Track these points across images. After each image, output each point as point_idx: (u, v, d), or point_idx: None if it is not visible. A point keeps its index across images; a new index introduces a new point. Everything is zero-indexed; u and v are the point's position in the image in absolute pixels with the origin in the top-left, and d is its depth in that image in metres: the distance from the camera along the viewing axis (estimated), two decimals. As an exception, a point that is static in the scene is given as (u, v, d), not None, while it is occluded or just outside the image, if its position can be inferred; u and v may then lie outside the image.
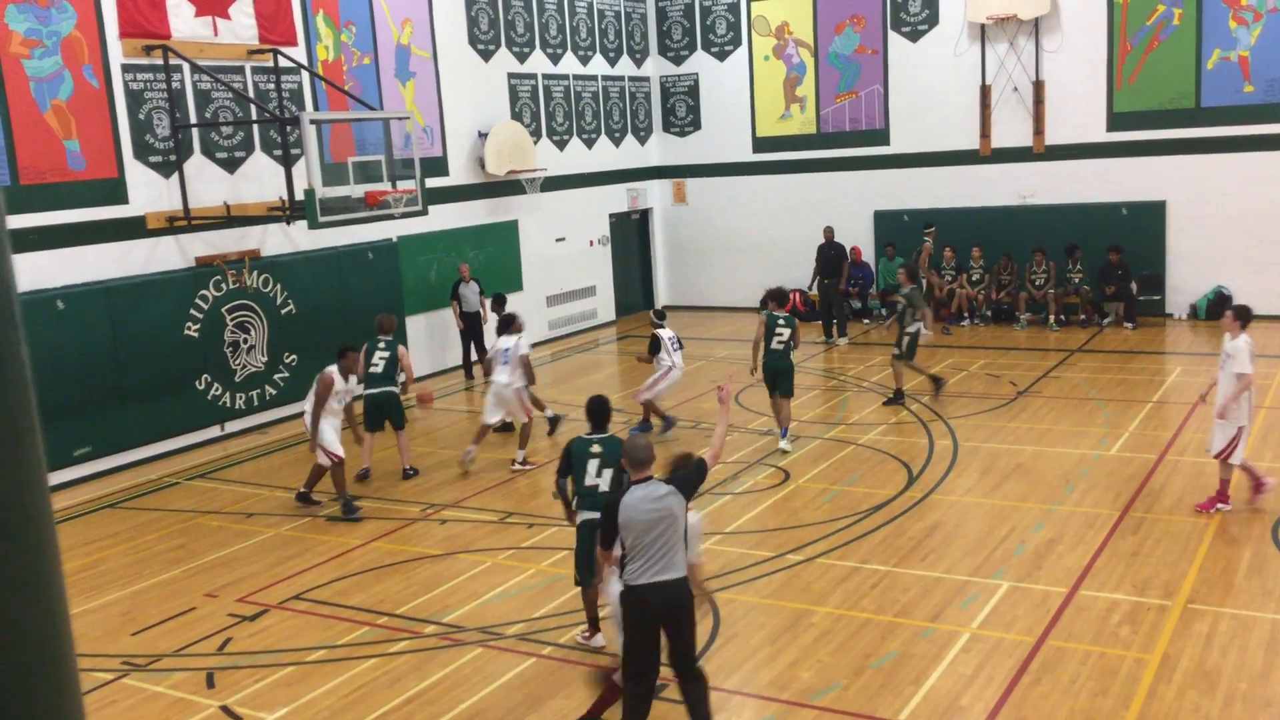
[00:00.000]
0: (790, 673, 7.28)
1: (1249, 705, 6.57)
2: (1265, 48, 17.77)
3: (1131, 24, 18.61)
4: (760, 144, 22.02)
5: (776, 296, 12.83)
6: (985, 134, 19.87)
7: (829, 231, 18.84)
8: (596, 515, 6.91)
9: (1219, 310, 18.41)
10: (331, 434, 10.99)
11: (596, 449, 7.62)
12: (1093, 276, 18.67)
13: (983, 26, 19.54)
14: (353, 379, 11.33)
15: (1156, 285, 18.84)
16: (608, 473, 7.54)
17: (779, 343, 12.40)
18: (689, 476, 6.09)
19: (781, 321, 12.50)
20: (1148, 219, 18.78)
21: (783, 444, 12.38)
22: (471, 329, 16.98)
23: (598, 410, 7.85)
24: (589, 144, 21.26)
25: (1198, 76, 18.29)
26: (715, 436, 6.53)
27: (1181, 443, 11.88)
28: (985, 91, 19.75)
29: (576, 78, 20.85)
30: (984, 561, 8.95)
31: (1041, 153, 19.51)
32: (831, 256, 18.65)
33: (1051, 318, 18.75)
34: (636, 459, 6.09)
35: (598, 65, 21.41)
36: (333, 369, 11.07)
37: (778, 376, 12.46)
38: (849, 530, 9.79)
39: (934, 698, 6.82)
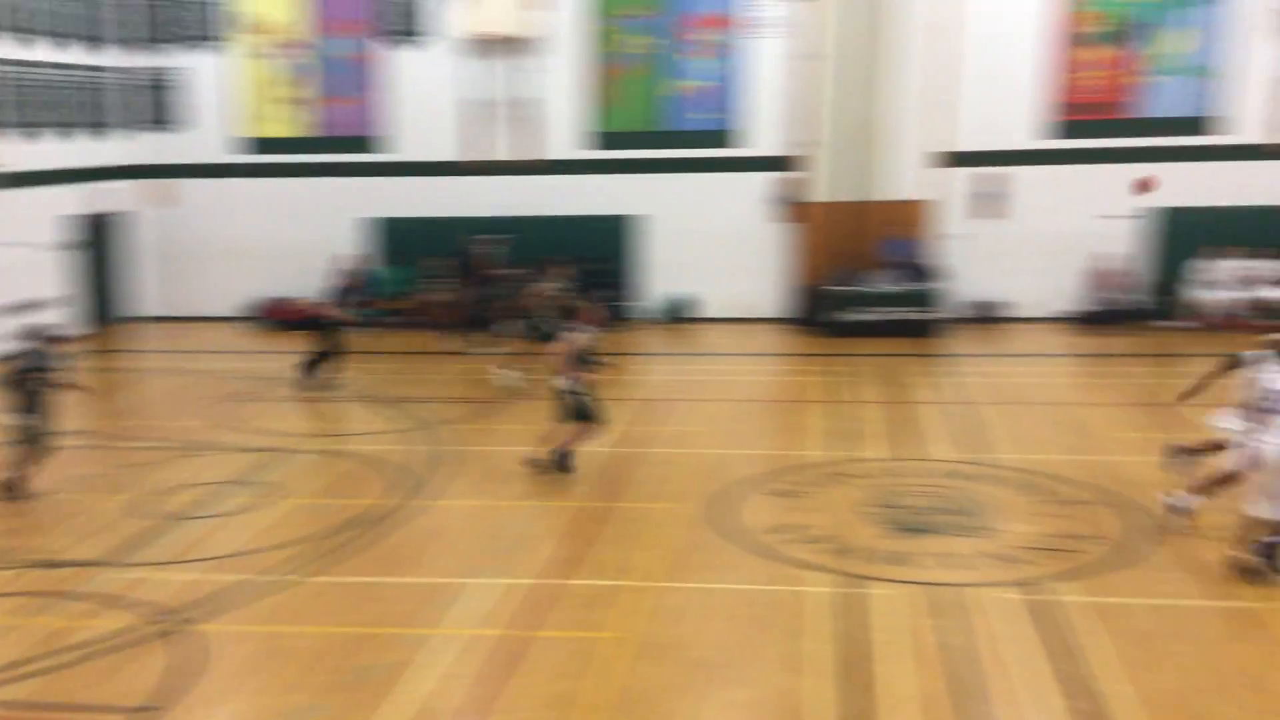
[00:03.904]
0: (284, 698, 6.98)
1: (710, 670, 7.23)
2: (725, 79, 19.92)
3: (608, 50, 20.11)
4: (247, 145, 21.08)
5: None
6: (477, 145, 20.44)
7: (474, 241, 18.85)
8: None
9: (676, 315, 20.44)
10: None
11: None
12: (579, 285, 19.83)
13: (476, 42, 20.11)
14: None
15: (631, 293, 20.45)
16: None
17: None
18: None
19: None
20: (620, 232, 20.32)
21: None
22: None
23: None
24: (56, 137, 19.13)
25: (663, 103, 20.13)
26: None
27: (641, 435, 12.95)
28: (476, 105, 20.32)
29: (51, 66, 18.72)
30: (466, 562, 9.21)
31: (525, 166, 20.39)
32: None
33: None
34: None
35: (73, 53, 19.36)
36: None
37: None
38: (334, 541, 9.63)
39: (412, 703, 6.86)
